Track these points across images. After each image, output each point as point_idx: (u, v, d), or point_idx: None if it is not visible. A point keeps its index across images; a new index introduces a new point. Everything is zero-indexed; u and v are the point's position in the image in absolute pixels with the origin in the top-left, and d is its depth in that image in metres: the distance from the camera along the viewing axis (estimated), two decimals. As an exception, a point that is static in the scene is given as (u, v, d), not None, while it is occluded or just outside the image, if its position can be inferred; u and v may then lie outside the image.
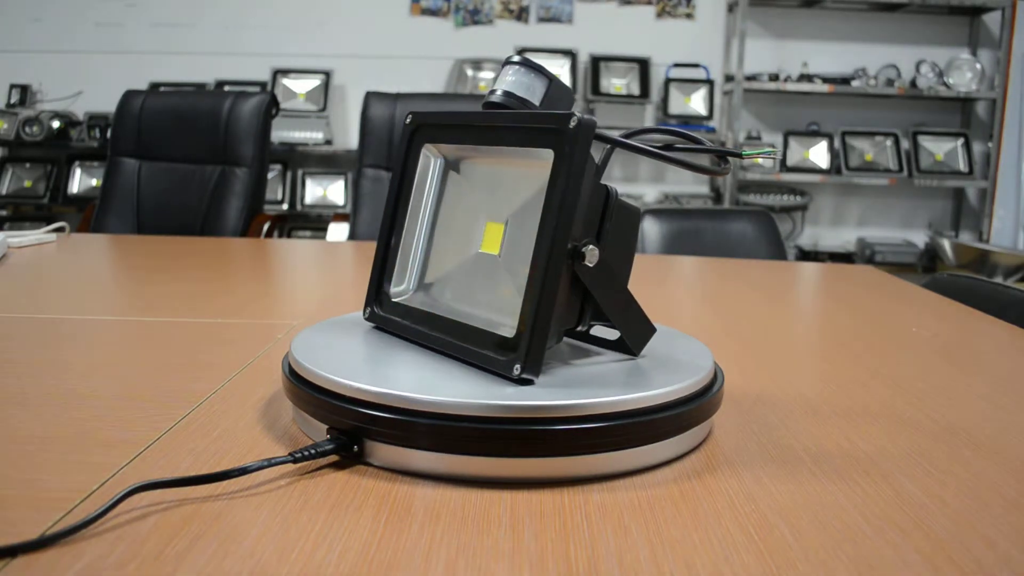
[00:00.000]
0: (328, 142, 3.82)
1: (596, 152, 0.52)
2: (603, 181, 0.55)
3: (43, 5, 3.93)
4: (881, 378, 0.72)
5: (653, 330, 0.58)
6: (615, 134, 0.56)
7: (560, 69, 3.84)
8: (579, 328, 0.56)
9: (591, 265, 0.52)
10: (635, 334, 0.57)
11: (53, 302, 0.95)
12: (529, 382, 0.50)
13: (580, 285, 0.53)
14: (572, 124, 0.50)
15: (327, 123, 3.83)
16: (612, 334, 0.61)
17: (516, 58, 0.56)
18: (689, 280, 1.24)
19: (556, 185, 0.50)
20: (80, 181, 3.88)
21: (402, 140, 0.65)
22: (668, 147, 0.56)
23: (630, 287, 0.57)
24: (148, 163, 2.21)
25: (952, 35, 4.04)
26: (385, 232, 0.64)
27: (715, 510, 0.45)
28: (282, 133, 3.76)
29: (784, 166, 3.94)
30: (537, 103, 0.55)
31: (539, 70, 0.56)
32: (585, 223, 0.53)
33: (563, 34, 3.98)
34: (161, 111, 2.21)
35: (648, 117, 3.98)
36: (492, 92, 0.56)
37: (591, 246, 0.52)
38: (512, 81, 0.56)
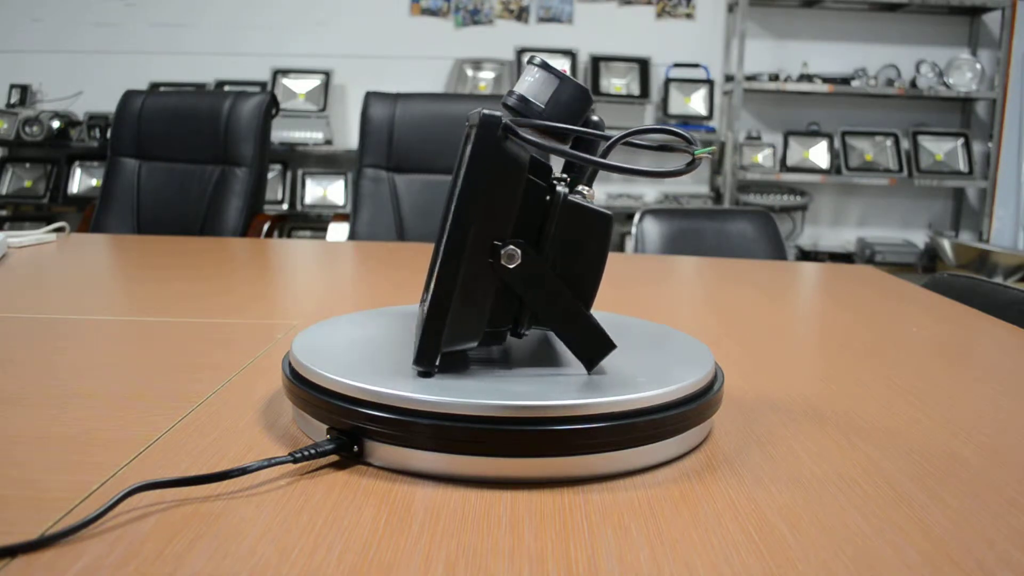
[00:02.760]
0: (328, 142, 3.82)
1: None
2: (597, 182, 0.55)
3: (43, 5, 3.93)
4: (881, 378, 0.72)
5: (611, 346, 0.53)
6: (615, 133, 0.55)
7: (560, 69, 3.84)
8: (521, 332, 0.54)
9: (511, 267, 0.51)
10: (584, 348, 0.53)
11: (53, 302, 0.95)
12: (427, 375, 0.51)
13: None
14: (477, 121, 0.50)
15: (327, 123, 3.83)
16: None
17: (537, 59, 0.56)
18: (689, 280, 1.24)
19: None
20: (80, 181, 3.88)
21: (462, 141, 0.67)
22: (663, 147, 0.54)
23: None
24: (148, 163, 2.21)
25: (952, 35, 4.04)
26: (440, 226, 0.67)
27: (715, 510, 0.45)
28: (282, 133, 3.76)
29: (784, 166, 3.95)
30: (543, 105, 0.55)
31: (552, 72, 0.56)
32: (520, 223, 0.51)
33: (563, 34, 3.98)
34: (161, 111, 2.21)
35: (648, 117, 3.98)
36: (509, 94, 0.57)
37: (511, 246, 0.50)
38: (528, 83, 0.56)
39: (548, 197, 0.52)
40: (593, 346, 0.53)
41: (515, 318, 0.53)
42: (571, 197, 0.52)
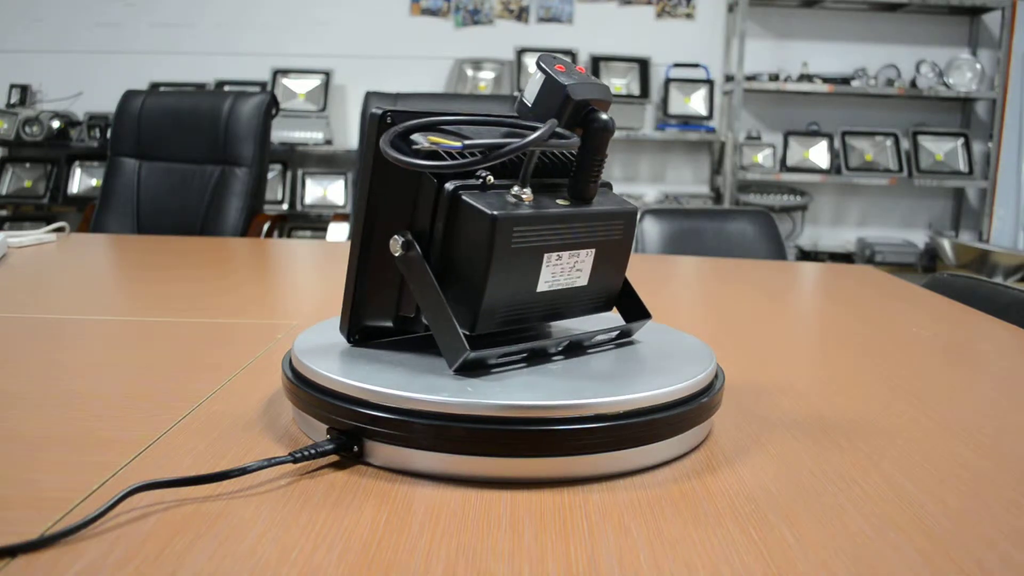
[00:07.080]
0: (328, 142, 3.82)
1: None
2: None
3: (43, 5, 3.93)
4: (881, 378, 0.72)
5: (463, 348, 0.51)
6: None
7: (560, 69, 3.84)
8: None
9: (396, 254, 0.53)
10: (444, 344, 0.53)
11: (53, 302, 0.95)
12: (354, 343, 0.58)
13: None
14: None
15: (327, 123, 3.83)
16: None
17: (541, 59, 0.57)
18: (689, 280, 1.24)
19: None
20: (80, 181, 3.88)
21: None
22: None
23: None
24: (148, 163, 2.21)
25: (952, 35, 4.04)
26: None
27: (715, 510, 0.45)
28: (282, 133, 3.76)
29: (784, 166, 3.95)
30: (530, 103, 0.56)
31: (543, 70, 0.56)
32: (420, 217, 0.53)
33: (563, 34, 3.98)
34: (161, 111, 2.21)
35: (648, 117, 3.98)
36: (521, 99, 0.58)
37: (396, 236, 0.53)
38: (532, 83, 0.57)
39: (435, 192, 0.52)
40: (449, 344, 0.52)
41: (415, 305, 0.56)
42: (462, 194, 0.51)
